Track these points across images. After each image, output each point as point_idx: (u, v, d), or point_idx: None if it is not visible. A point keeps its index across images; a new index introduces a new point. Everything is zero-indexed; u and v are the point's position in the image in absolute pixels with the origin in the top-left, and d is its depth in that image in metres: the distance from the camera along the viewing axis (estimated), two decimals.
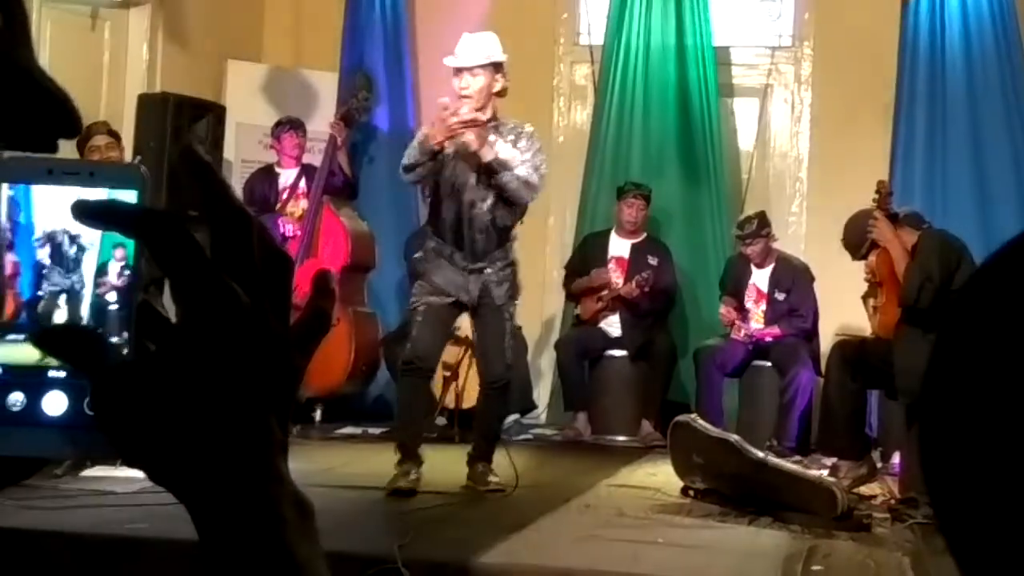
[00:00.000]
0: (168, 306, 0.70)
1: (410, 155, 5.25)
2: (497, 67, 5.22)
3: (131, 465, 0.69)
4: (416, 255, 5.54)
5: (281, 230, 7.37)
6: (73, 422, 0.71)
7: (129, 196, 0.72)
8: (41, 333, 0.69)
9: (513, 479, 5.29)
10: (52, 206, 0.73)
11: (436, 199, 5.40)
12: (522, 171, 5.18)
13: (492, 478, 5.31)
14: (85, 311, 0.73)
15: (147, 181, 0.73)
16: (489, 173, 5.17)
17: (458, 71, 5.23)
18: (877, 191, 6.05)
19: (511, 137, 5.27)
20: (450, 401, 7.20)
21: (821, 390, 6.53)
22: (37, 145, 0.68)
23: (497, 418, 5.60)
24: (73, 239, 0.74)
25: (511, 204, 5.28)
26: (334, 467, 5.83)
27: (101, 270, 0.74)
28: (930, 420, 0.60)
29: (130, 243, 0.73)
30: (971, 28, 7.85)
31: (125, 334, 0.71)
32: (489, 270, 5.31)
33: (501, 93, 5.26)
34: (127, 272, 0.73)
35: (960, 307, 0.60)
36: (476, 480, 5.31)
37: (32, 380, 0.71)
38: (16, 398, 0.71)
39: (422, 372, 5.34)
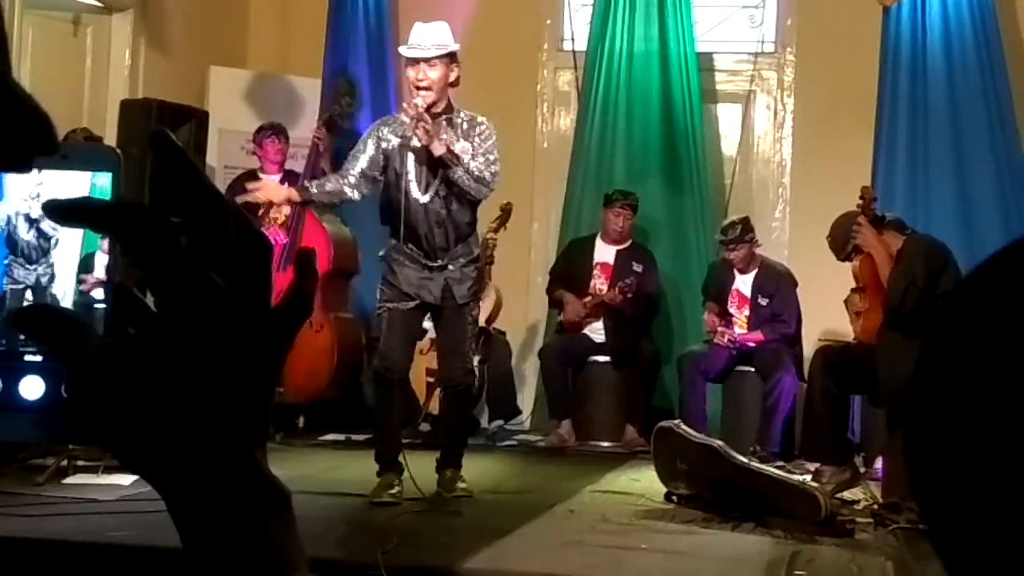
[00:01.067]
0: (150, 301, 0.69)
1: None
2: (452, 57, 5.10)
3: (105, 449, 0.68)
4: (380, 253, 5.44)
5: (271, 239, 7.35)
6: (51, 407, 0.71)
7: (104, 179, 0.71)
8: (16, 313, 0.67)
9: (485, 484, 5.33)
10: (26, 192, 0.71)
11: (386, 193, 5.26)
12: (473, 166, 5.07)
13: (459, 484, 5.27)
14: None
15: (121, 163, 0.72)
16: (441, 167, 5.06)
17: (414, 62, 5.08)
18: (861, 196, 6.07)
19: (465, 128, 5.16)
20: (434, 407, 7.18)
21: (804, 395, 6.55)
22: (12, 162, 0.67)
23: (460, 422, 5.52)
24: (32, 223, 0.72)
25: (466, 198, 5.17)
26: (317, 473, 5.82)
27: (85, 264, 0.72)
28: (916, 424, 0.60)
29: (94, 246, 0.71)
30: (952, 33, 7.88)
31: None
32: (451, 267, 5.21)
33: (455, 83, 5.14)
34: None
35: (947, 313, 0.60)
36: (444, 486, 5.27)
37: (9, 365, 0.71)
38: None
39: (393, 382, 5.21)
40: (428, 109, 5.03)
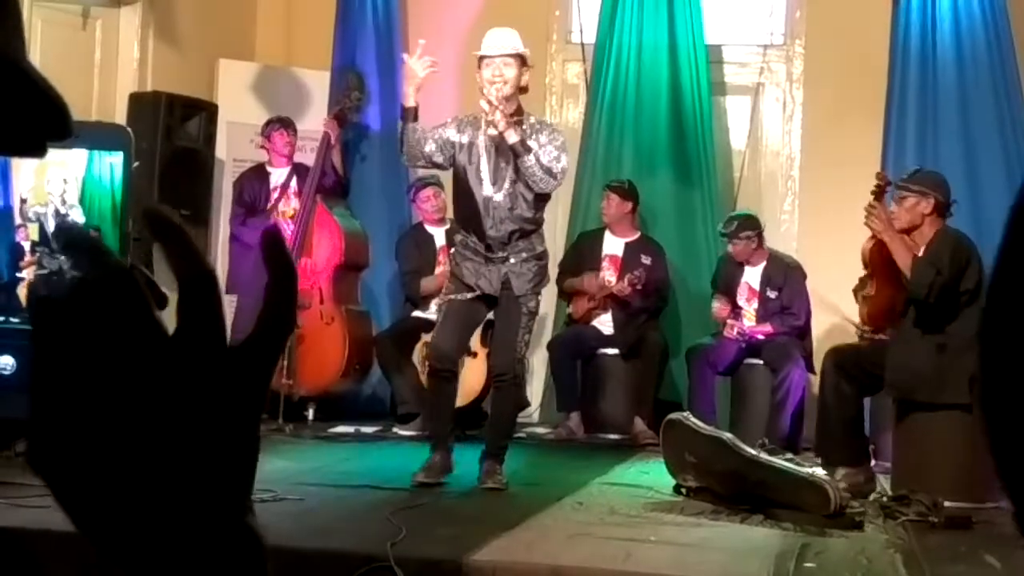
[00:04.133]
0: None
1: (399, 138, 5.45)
2: (523, 61, 5.37)
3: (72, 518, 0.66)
4: (452, 250, 5.69)
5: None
6: None
7: (115, 158, 0.72)
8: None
9: (518, 479, 5.42)
10: (34, 180, 0.72)
11: (456, 188, 5.56)
12: (544, 158, 5.29)
13: (498, 477, 5.37)
14: None
15: (132, 142, 0.72)
16: (514, 155, 5.28)
17: (488, 61, 5.32)
18: (877, 184, 5.95)
19: (535, 130, 5.38)
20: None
21: (816, 396, 6.51)
22: (26, 147, 0.66)
23: (506, 415, 5.63)
24: (59, 216, 0.73)
25: (531, 194, 5.36)
26: (327, 465, 5.83)
27: None
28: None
29: (106, 225, 0.72)
30: (962, 26, 7.86)
31: None
32: (512, 260, 5.40)
33: (525, 88, 5.39)
34: None
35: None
36: (482, 476, 5.38)
37: (22, 344, 0.71)
38: (6, 362, 0.71)
39: (443, 372, 5.46)
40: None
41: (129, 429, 0.65)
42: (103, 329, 0.65)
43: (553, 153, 5.30)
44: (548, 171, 5.28)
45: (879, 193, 5.90)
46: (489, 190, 5.36)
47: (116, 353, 0.65)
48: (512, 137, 5.24)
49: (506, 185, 5.35)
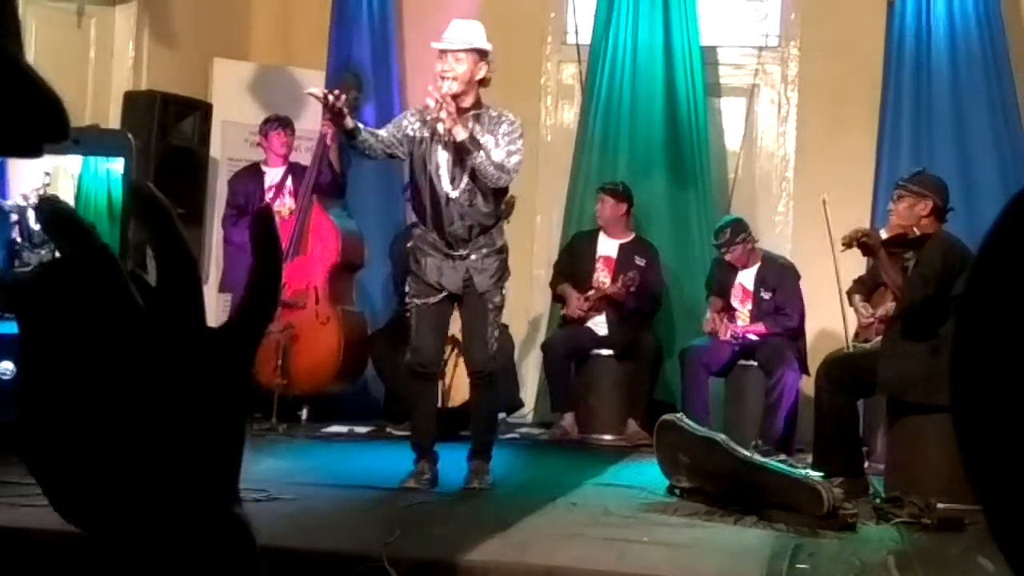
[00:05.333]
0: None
1: None
2: (482, 55, 5.25)
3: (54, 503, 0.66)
4: (408, 244, 5.59)
5: None
6: None
7: (116, 164, 0.71)
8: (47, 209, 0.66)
9: (512, 480, 5.44)
10: (29, 178, 0.72)
11: (413, 184, 5.43)
12: (495, 154, 5.20)
13: (485, 476, 5.35)
14: None
15: (133, 148, 0.72)
16: (462, 153, 5.20)
17: (442, 54, 5.25)
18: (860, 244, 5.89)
19: (492, 123, 5.28)
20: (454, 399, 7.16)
21: (809, 397, 6.51)
22: (22, 147, 0.66)
23: (486, 411, 5.60)
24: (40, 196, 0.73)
25: (489, 189, 5.28)
26: (320, 465, 5.83)
27: None
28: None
29: (102, 224, 0.72)
30: (956, 29, 7.88)
31: None
32: (473, 256, 5.33)
33: (484, 82, 5.28)
34: None
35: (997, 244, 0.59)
36: (469, 476, 5.36)
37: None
38: (6, 367, 0.71)
39: (427, 375, 5.46)
40: (455, 99, 5.17)
41: (108, 410, 0.64)
42: (80, 307, 0.64)
43: (508, 148, 5.22)
44: (500, 167, 5.20)
45: (854, 245, 5.82)
46: (447, 186, 5.27)
47: (93, 331, 0.64)
48: (460, 135, 5.13)
49: (464, 181, 5.26)
